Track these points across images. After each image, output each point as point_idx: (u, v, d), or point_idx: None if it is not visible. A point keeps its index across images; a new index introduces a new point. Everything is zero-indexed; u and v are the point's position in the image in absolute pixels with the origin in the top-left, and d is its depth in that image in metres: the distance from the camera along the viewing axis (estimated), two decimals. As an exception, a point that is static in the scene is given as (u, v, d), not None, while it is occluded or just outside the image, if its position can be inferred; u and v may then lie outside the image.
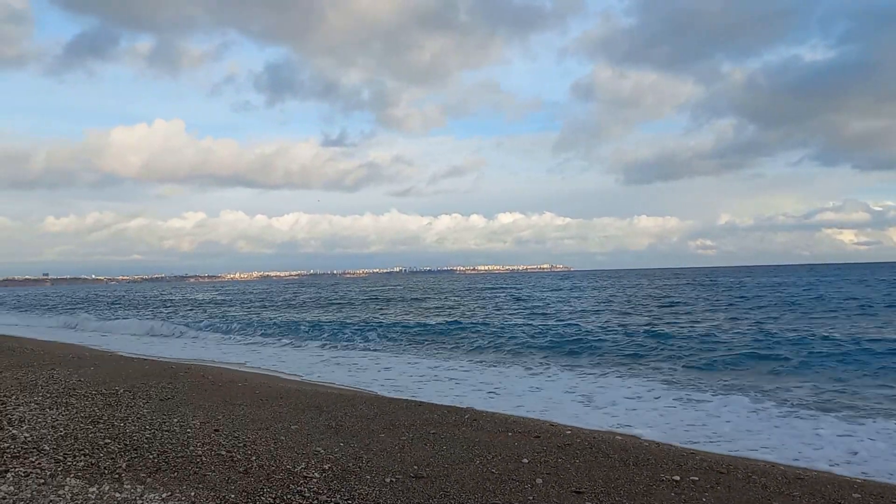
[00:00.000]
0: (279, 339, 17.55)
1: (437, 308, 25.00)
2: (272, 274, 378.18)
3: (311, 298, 41.94)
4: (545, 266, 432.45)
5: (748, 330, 14.56)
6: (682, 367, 10.34)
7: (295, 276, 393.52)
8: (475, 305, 26.66)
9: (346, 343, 16.07)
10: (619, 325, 17.22)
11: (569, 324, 17.89)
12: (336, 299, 41.43)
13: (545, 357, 12.15)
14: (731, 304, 23.71)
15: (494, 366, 11.65)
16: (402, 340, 16.17)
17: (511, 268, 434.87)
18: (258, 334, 18.88)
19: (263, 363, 13.03)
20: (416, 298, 37.26)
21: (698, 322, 16.46)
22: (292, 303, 36.84)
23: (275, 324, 21.67)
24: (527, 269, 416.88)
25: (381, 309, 28.11)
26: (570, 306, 26.07)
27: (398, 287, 73.84)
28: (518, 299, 31.68)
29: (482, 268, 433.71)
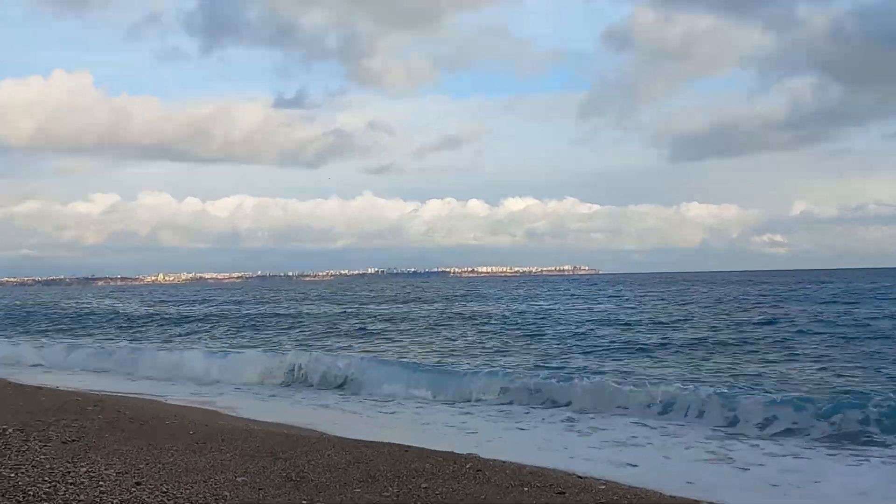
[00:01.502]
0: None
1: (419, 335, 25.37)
2: (207, 276, 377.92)
3: (254, 312, 44.26)
4: (566, 268, 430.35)
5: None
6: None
7: (237, 278, 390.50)
8: (459, 332, 27.36)
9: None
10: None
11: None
12: (286, 310, 45.13)
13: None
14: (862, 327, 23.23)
15: (505, 405, 12.41)
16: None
17: (521, 269, 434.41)
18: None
19: (199, 394, 13.71)
20: (394, 314, 38.97)
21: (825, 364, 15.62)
22: (230, 318, 39.37)
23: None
24: (542, 271, 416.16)
25: (340, 325, 30.57)
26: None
27: (369, 294, 77.27)
28: (533, 315, 32.53)
29: (483, 269, 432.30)
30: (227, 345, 25.46)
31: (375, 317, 37.05)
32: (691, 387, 11.52)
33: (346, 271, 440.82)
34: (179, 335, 30.34)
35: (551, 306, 44.28)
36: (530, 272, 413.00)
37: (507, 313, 38.21)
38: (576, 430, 10.09)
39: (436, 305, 48.03)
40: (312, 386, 15.60)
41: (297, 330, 30.64)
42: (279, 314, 42.38)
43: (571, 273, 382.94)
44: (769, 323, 25.94)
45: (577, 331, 25.39)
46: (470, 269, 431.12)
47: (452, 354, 19.56)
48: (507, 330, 27.46)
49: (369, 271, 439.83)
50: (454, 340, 23.58)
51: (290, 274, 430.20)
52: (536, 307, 43.31)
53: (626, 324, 27.92)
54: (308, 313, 41.89)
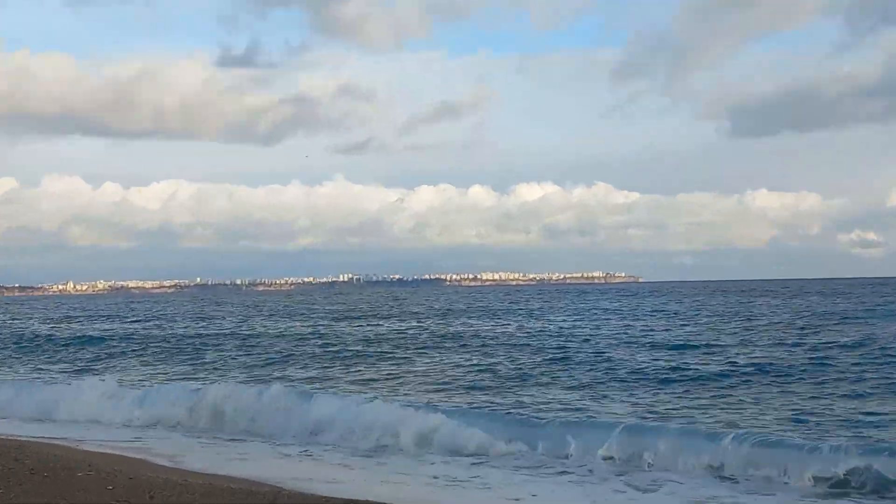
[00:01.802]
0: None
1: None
2: (131, 284, 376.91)
3: (191, 332, 45.23)
4: (595, 275, 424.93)
5: None
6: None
7: (170, 287, 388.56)
8: (459, 357, 28.69)
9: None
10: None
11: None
12: (233, 329, 46.49)
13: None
14: None
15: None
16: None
17: (537, 276, 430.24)
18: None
19: (123, 438, 13.88)
20: (373, 335, 39.90)
21: None
22: (160, 339, 40.48)
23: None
24: (564, 278, 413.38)
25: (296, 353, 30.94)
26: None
27: (340, 308, 77.43)
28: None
29: (488, 276, 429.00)
30: (155, 375, 26.06)
31: (346, 337, 38.14)
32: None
33: (310, 279, 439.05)
34: (92, 361, 30.90)
35: (577, 323, 44.87)
36: (549, 280, 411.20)
37: (520, 333, 38.30)
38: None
39: (427, 323, 48.75)
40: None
41: (247, 355, 31.17)
42: (223, 334, 42.65)
43: (603, 281, 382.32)
44: (858, 345, 26.89)
45: (614, 356, 26.52)
46: (471, 275, 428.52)
47: (456, 390, 20.52)
48: (520, 354, 28.55)
49: (341, 279, 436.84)
50: (452, 370, 24.59)
51: (238, 282, 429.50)
52: (557, 325, 43.83)
53: (675, 347, 29.29)
54: (262, 332, 42.75)
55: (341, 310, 75.44)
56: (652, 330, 37.64)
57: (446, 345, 33.13)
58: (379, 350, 31.41)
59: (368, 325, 48.60)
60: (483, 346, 32.22)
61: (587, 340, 32.53)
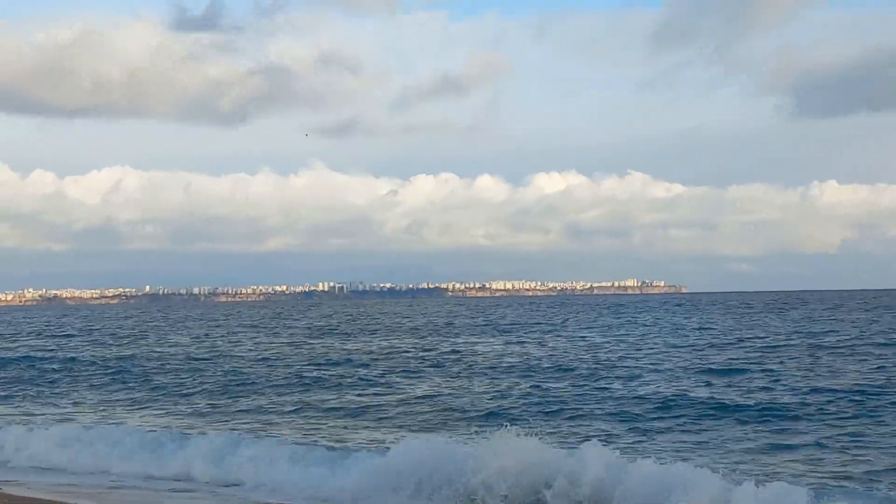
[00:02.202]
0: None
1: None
2: (65, 294, 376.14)
3: (141, 353, 45.98)
4: (629, 283, 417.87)
5: None
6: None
7: (113, 297, 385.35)
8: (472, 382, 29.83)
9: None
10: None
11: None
12: (191, 349, 47.12)
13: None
14: None
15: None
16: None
17: (559, 285, 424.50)
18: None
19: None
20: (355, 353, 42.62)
21: None
22: (99, 364, 40.67)
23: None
24: (591, 287, 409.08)
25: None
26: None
27: (320, 324, 78.20)
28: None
29: (499, 286, 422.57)
30: (98, 409, 26.27)
31: (295, 358, 39.05)
32: None
33: (283, 288, 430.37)
34: (7, 393, 31.05)
35: (608, 341, 45.06)
36: (573, 290, 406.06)
37: (540, 353, 38.41)
38: None
39: (425, 342, 49.02)
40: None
41: (204, 382, 31.43)
42: (178, 356, 42.63)
43: (639, 292, 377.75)
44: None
45: (648, 387, 26.65)
46: (478, 285, 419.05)
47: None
48: (539, 378, 29.05)
49: (321, 288, 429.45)
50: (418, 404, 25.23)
51: (196, 292, 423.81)
52: (584, 341, 44.11)
53: (722, 371, 30.02)
54: (225, 354, 42.79)
55: (314, 325, 76.81)
56: (721, 354, 37.46)
57: (427, 369, 33.69)
58: (337, 375, 32.21)
59: (343, 343, 49.02)
60: (470, 368, 32.84)
61: (626, 367, 32.33)
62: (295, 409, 24.83)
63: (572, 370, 31.93)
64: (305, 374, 32.88)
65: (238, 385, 30.46)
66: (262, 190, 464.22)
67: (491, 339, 51.01)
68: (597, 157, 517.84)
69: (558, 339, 49.41)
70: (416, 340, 51.85)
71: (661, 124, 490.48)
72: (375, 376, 31.62)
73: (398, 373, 32.53)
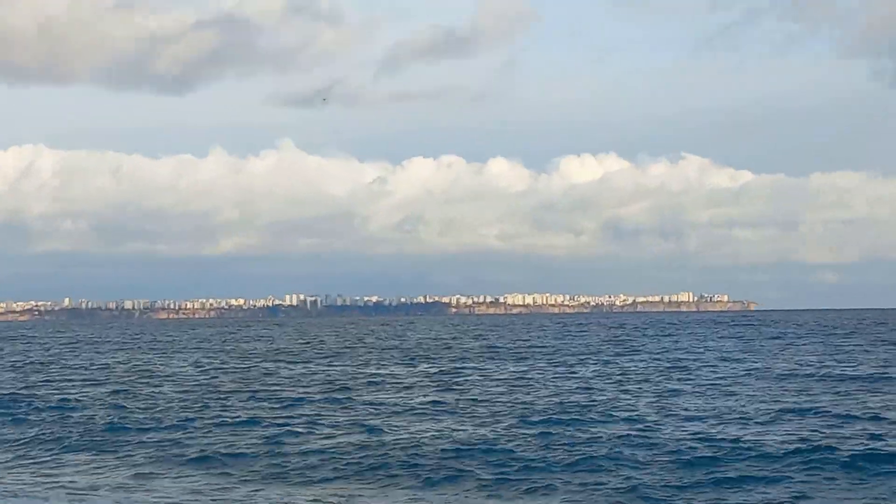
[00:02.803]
0: None
1: None
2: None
3: (53, 381, 56.35)
4: (683, 298, 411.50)
5: None
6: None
7: (21, 313, 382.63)
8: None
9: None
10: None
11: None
12: (120, 383, 55.77)
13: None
14: None
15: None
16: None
17: (593, 300, 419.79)
18: None
19: None
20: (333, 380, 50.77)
21: None
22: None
23: None
24: (635, 302, 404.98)
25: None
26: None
27: (290, 349, 79.00)
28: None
29: (516, 299, 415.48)
30: None
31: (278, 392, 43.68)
32: None
33: (239, 301, 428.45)
34: None
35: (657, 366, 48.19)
36: (611, 305, 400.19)
37: (568, 387, 42.69)
38: None
39: (418, 370, 53.72)
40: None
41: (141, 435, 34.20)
42: (99, 387, 46.57)
43: (695, 308, 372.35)
44: None
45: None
46: (490, 298, 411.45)
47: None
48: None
49: (288, 301, 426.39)
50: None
51: (128, 306, 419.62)
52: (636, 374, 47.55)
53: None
54: (159, 394, 46.25)
55: (261, 349, 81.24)
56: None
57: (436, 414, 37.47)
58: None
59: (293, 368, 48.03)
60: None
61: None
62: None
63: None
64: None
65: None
66: (213, 176, 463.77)
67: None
68: (642, 136, 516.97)
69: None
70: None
71: (723, 94, 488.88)
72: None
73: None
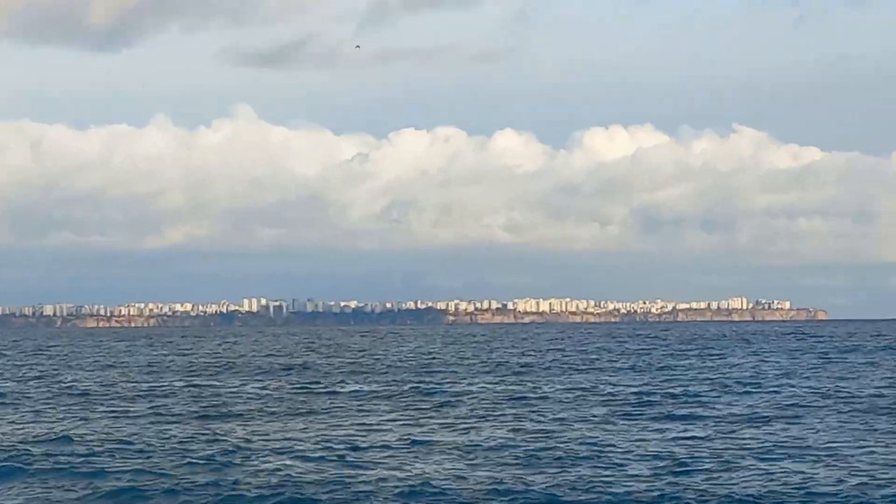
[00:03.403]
0: None
1: None
2: None
3: None
4: (735, 304, 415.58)
5: None
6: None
7: None
8: None
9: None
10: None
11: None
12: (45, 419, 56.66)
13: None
14: None
15: None
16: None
17: (623, 307, 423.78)
18: None
19: None
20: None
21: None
22: None
23: None
24: (674, 310, 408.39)
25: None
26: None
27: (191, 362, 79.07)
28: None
29: (528, 306, 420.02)
30: None
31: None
32: None
33: (186, 307, 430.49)
34: None
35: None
36: (646, 313, 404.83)
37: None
38: None
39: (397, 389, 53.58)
40: None
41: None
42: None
43: (749, 317, 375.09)
44: None
45: None
46: (496, 304, 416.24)
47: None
48: None
49: (246, 308, 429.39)
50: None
51: (48, 312, 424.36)
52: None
53: None
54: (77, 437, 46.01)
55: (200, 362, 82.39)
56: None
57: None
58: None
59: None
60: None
61: None
62: None
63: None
64: None
65: None
66: (155, 151, 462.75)
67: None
68: (684, 104, 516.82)
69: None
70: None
71: (786, 54, 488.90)
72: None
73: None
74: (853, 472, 36.64)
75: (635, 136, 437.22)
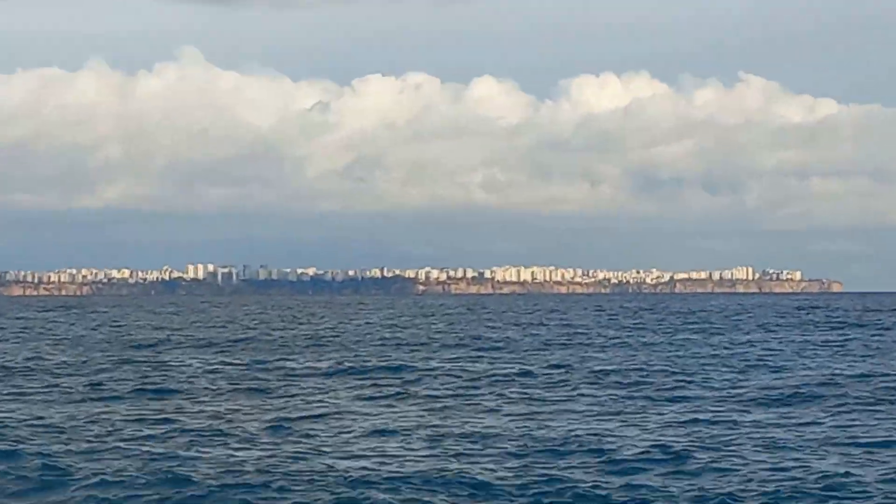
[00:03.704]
0: None
1: None
2: None
3: None
4: (740, 275, 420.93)
5: None
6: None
7: None
8: None
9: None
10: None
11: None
12: None
13: None
14: None
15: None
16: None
17: (616, 276, 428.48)
18: None
19: None
20: None
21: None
22: None
23: None
24: (672, 279, 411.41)
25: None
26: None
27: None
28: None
29: (509, 275, 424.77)
30: None
31: None
32: None
33: (123, 273, 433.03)
34: None
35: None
36: (639, 283, 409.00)
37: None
38: None
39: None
40: None
41: None
42: None
43: (756, 289, 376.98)
44: None
45: None
46: (472, 272, 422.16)
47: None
48: None
49: (192, 275, 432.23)
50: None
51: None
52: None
53: None
54: None
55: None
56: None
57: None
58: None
59: None
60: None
61: None
62: None
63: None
64: None
65: None
66: (89, 98, 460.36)
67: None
68: (685, 50, 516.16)
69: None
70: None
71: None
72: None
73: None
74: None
75: (630, 85, 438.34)
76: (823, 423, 46.60)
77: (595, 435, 42.63)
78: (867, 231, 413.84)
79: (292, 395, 55.54)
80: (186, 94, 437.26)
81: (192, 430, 43.89)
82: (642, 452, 38.64)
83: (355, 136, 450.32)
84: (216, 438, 41.58)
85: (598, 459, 37.39)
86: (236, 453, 37.79)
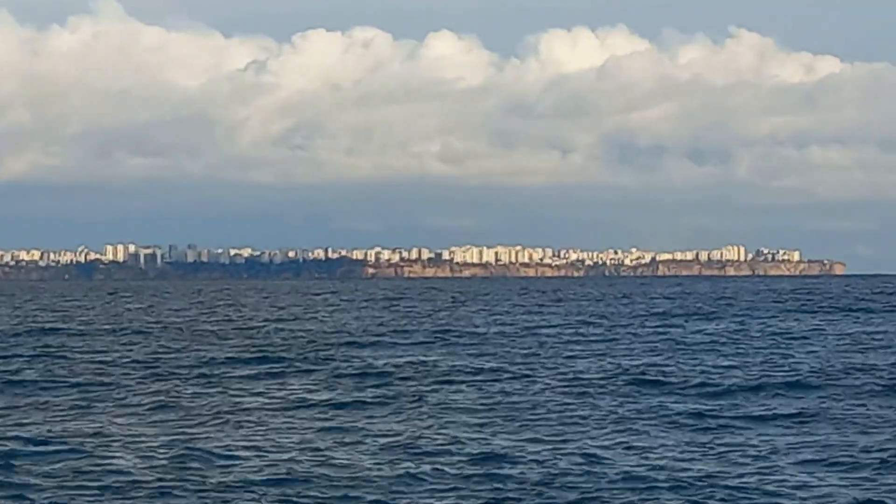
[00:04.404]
0: None
1: None
2: None
3: None
4: (730, 255, 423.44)
5: None
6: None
7: None
8: None
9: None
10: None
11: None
12: None
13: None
14: None
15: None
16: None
17: (592, 257, 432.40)
18: None
19: None
20: None
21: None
22: None
23: None
24: (654, 260, 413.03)
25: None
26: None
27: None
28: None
29: (470, 256, 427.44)
30: None
31: None
32: None
33: (33, 255, 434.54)
34: None
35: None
36: (617, 264, 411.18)
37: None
38: None
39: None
40: None
41: None
42: None
43: (749, 271, 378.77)
44: None
45: None
46: (429, 253, 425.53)
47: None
48: None
49: (111, 256, 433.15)
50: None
51: None
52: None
53: None
54: None
55: None
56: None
57: None
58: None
59: None
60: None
61: None
62: None
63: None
64: None
65: None
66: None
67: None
68: (668, 1, 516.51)
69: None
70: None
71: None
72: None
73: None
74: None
75: (605, 41, 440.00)
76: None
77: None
78: (873, 206, 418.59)
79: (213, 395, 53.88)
80: (104, 51, 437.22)
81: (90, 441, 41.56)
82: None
83: (295, 98, 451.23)
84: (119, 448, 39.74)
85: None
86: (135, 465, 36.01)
